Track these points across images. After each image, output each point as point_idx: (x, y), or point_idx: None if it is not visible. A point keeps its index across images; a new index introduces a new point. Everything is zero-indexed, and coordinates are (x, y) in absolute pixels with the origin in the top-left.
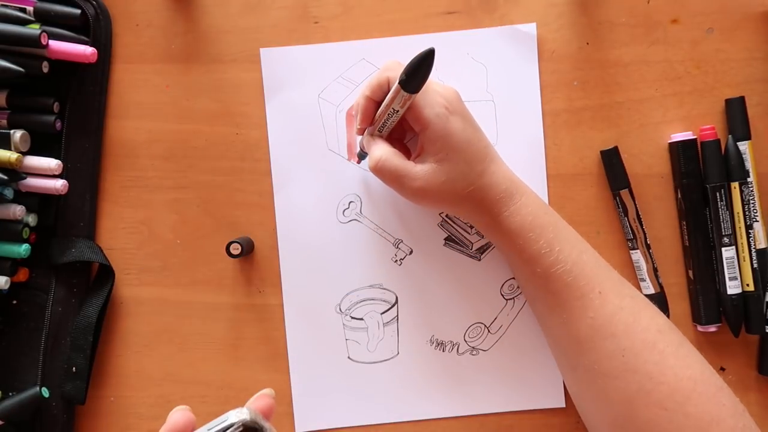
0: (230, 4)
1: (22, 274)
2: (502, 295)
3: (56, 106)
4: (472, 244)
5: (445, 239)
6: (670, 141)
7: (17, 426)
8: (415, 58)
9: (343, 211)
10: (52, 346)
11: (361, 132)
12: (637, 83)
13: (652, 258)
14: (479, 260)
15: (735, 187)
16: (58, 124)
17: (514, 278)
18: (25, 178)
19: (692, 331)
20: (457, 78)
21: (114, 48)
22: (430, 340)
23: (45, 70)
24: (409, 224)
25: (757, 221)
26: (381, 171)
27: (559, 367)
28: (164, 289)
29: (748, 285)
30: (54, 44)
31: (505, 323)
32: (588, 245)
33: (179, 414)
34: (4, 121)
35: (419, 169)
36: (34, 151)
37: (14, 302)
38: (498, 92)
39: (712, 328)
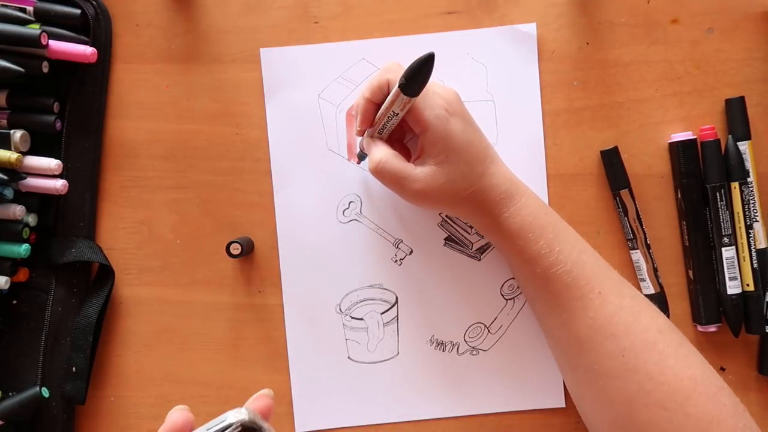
0: (230, 4)
1: (22, 274)
2: (502, 295)
3: (56, 106)
4: (472, 244)
5: (445, 239)
6: (670, 141)
7: (17, 426)
8: (414, 62)
9: (343, 211)
10: (52, 346)
11: (361, 133)
12: (637, 83)
13: (652, 258)
14: (479, 260)
15: (735, 187)
16: (58, 124)
17: (514, 278)
18: (25, 178)
19: (692, 331)
20: (457, 78)
21: (114, 48)
22: (430, 340)
23: (45, 70)
24: (409, 224)
25: (757, 221)
26: (381, 173)
27: (559, 367)
28: (164, 289)
29: (748, 285)
30: (54, 44)
31: (505, 323)
32: (588, 245)
33: (178, 414)
34: (4, 121)
35: (419, 171)
36: (34, 151)
37: (14, 302)
38: (498, 92)
39: (712, 328)
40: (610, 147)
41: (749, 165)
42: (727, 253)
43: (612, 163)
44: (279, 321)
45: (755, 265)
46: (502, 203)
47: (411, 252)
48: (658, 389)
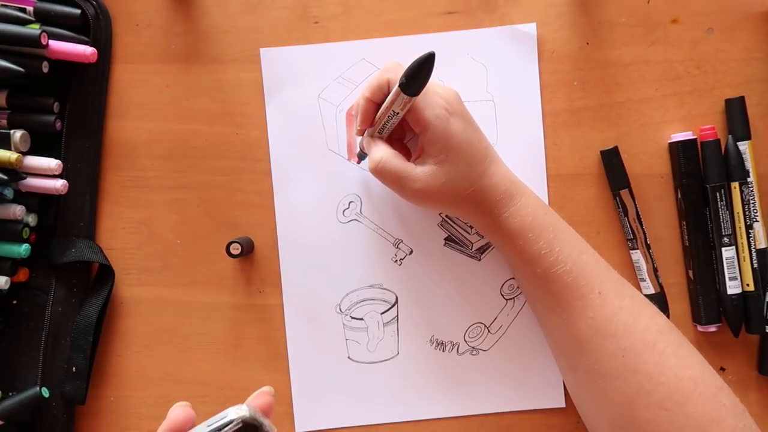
0: (230, 4)
1: (22, 274)
2: (502, 295)
3: (56, 106)
4: (472, 244)
5: (445, 239)
6: (670, 141)
7: (17, 426)
8: (415, 61)
9: (343, 211)
10: (52, 346)
11: (361, 133)
12: (637, 83)
13: (652, 258)
14: (479, 260)
15: (735, 187)
16: (58, 124)
17: (514, 278)
18: (25, 178)
19: (692, 331)
20: (457, 78)
21: (114, 48)
22: (430, 340)
23: (45, 70)
24: (409, 224)
25: (757, 221)
26: (381, 173)
27: (559, 367)
28: (164, 289)
29: (748, 285)
30: (54, 44)
31: (505, 323)
32: (588, 245)
33: (179, 410)
34: (4, 121)
35: (419, 171)
36: (34, 151)
37: (14, 302)
38: (498, 92)
39: (712, 328)
40: (610, 147)
41: (749, 165)
42: (727, 253)
43: (612, 163)
44: (279, 321)
45: (755, 265)
46: (502, 203)
47: (411, 252)
48: (658, 389)
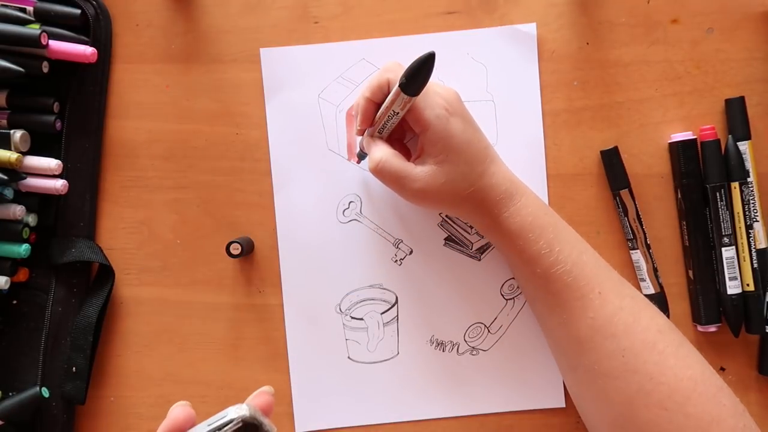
0: (230, 4)
1: (22, 274)
2: (502, 295)
3: (56, 106)
4: (472, 244)
5: (445, 239)
6: (670, 141)
7: (17, 426)
8: (415, 61)
9: (343, 211)
10: (52, 346)
11: (361, 133)
12: (637, 83)
13: (652, 258)
14: (479, 260)
15: (735, 187)
16: (58, 124)
17: (514, 278)
18: (25, 178)
19: (692, 331)
20: (457, 78)
21: (114, 48)
22: (430, 340)
23: (45, 70)
24: (409, 224)
25: (757, 221)
26: (381, 173)
27: (559, 367)
28: (164, 289)
29: (748, 285)
30: (54, 44)
31: (505, 323)
32: (588, 245)
33: (179, 410)
34: (4, 121)
35: (419, 171)
36: (34, 151)
37: (14, 302)
38: (498, 92)
39: (712, 328)
40: (610, 147)
41: (749, 165)
42: (727, 253)
43: (612, 163)
44: (279, 321)
45: (755, 265)
46: (502, 203)
47: (411, 252)
48: (658, 389)
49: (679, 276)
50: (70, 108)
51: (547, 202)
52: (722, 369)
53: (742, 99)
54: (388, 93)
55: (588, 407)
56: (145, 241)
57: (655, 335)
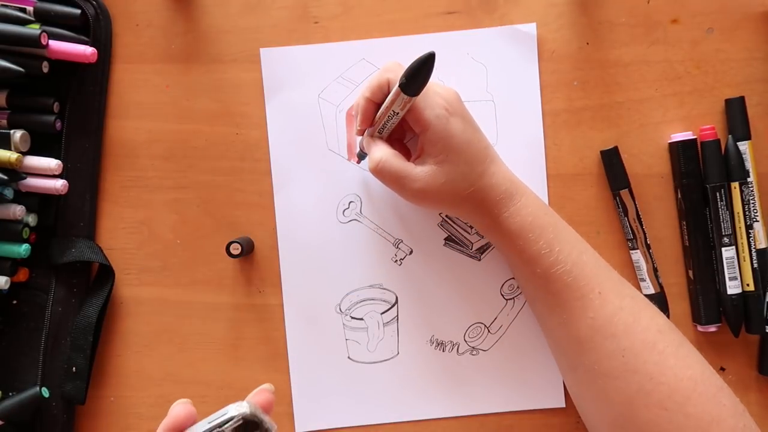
0: (230, 4)
1: (22, 274)
2: (502, 295)
3: (56, 106)
4: (472, 244)
5: (445, 239)
6: (670, 141)
7: (17, 426)
8: (415, 61)
9: (343, 211)
10: (52, 346)
11: (361, 133)
12: (637, 83)
13: (652, 258)
14: (479, 260)
15: (735, 187)
16: (58, 124)
17: (514, 278)
18: (25, 178)
19: (692, 331)
20: (457, 78)
21: (114, 48)
22: (430, 340)
23: (45, 70)
24: (409, 224)
25: (757, 221)
26: (381, 173)
27: (559, 367)
28: (164, 289)
29: (748, 285)
30: (54, 44)
31: (505, 323)
32: (588, 245)
33: (180, 407)
34: (4, 121)
35: (419, 171)
36: (34, 151)
37: (14, 302)
38: (498, 92)
39: (712, 328)
40: (610, 147)
41: (749, 165)
42: (727, 253)
43: (612, 163)
44: (279, 321)
45: (755, 265)
46: (502, 203)
47: (411, 252)
48: (658, 389)
49: (679, 276)
50: (70, 108)
51: (547, 202)
52: (722, 369)
53: (742, 99)
54: (388, 93)
55: (588, 407)
56: (145, 241)
57: (655, 335)
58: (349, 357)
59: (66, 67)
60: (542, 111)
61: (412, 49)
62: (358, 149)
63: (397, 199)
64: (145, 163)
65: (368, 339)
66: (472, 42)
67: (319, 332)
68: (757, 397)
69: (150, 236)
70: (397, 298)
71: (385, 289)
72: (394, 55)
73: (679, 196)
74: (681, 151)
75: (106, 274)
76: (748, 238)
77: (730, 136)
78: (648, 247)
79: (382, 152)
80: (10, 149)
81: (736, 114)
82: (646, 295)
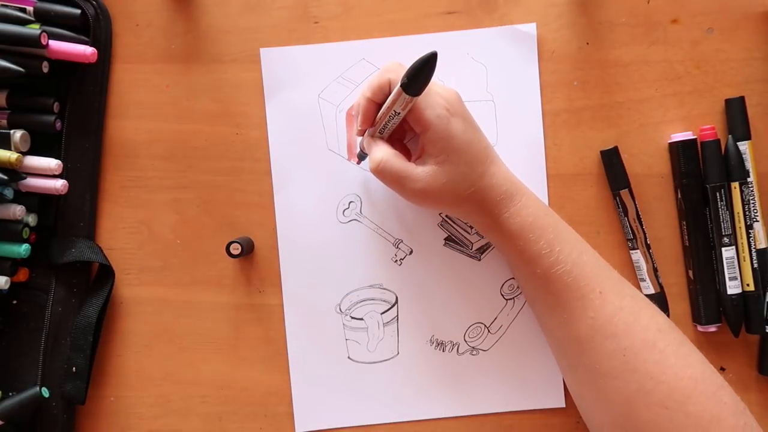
0: (230, 4)
1: (22, 274)
2: (502, 295)
3: (56, 106)
4: (472, 244)
5: (445, 239)
6: (670, 141)
7: (17, 426)
8: (417, 61)
9: (343, 211)
10: (52, 346)
11: (362, 133)
12: (637, 83)
13: (652, 258)
14: (479, 260)
15: (735, 187)
16: (58, 124)
17: (514, 278)
18: (25, 178)
19: (692, 331)
20: (457, 78)
21: (114, 48)
22: (430, 340)
23: (45, 70)
24: (409, 224)
25: (757, 221)
26: (382, 173)
27: (559, 367)
28: (164, 289)
29: (748, 285)
30: (54, 44)
31: (505, 323)
32: (588, 246)
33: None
34: (4, 121)
35: (420, 171)
36: (34, 151)
37: (14, 302)
38: (498, 92)
39: (712, 328)
40: (610, 147)
41: (749, 165)
42: (727, 253)
43: (612, 163)
44: (279, 321)
45: (755, 265)
46: (502, 203)
47: (411, 252)
48: (658, 388)
49: (679, 276)
50: (70, 108)
51: (547, 202)
52: (722, 369)
53: (742, 99)
54: (389, 93)
55: (588, 407)
56: (145, 241)
57: (656, 334)
58: (349, 357)
59: (66, 67)
60: (542, 111)
61: (412, 49)
62: (358, 149)
63: (398, 199)
64: (145, 163)
65: (368, 339)
66: (472, 42)
67: (319, 332)
68: (757, 397)
69: (150, 236)
70: (397, 298)
71: (385, 289)
72: (394, 55)
73: (679, 196)
74: (681, 151)
75: (106, 274)
76: (748, 238)
77: (730, 136)
78: (648, 247)
79: (383, 152)
80: (10, 149)
81: (736, 114)
82: (646, 295)
